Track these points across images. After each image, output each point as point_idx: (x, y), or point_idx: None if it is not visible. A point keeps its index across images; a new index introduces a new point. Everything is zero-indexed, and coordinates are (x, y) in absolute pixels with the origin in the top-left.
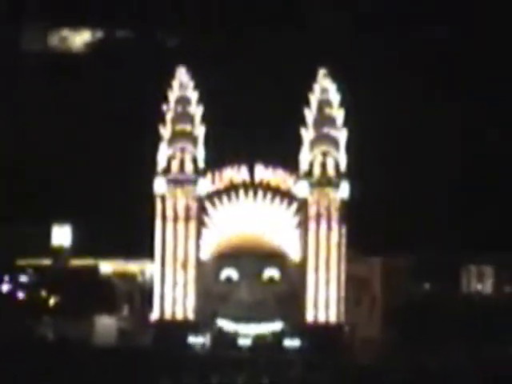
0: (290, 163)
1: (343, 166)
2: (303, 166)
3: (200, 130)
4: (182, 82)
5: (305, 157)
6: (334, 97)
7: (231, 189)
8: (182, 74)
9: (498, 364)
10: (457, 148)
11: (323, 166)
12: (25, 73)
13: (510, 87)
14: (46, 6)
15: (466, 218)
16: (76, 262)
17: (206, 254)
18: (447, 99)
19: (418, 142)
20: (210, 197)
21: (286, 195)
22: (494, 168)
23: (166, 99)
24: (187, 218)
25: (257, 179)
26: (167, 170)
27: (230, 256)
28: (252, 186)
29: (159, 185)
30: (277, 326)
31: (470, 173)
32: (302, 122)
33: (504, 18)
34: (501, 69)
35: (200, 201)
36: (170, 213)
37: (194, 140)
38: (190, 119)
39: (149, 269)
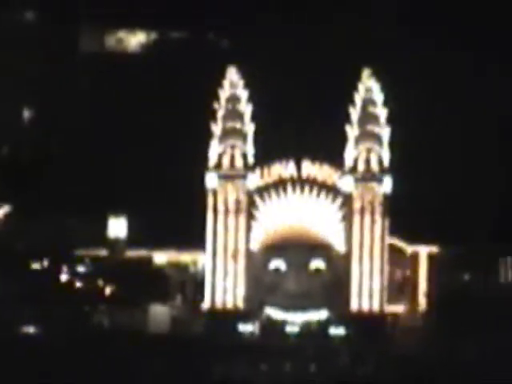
0: (335, 159)
1: (386, 162)
2: (348, 161)
3: (249, 127)
4: (233, 82)
5: (350, 153)
6: (378, 96)
7: (279, 183)
8: (232, 74)
9: None
10: (497, 142)
11: (367, 161)
12: (82, 73)
13: None
14: (101, 9)
15: (505, 209)
16: (131, 253)
17: (255, 246)
18: (491, 95)
19: (458, 138)
20: (259, 191)
21: (332, 189)
22: None
23: (217, 98)
24: (237, 211)
25: (304, 174)
26: (218, 166)
27: (278, 247)
28: (299, 181)
29: (211, 179)
30: (322, 314)
31: (510, 165)
32: (347, 119)
33: None
34: None
35: (250, 195)
36: (221, 206)
37: (243, 137)
38: (240, 117)
39: (201, 259)
